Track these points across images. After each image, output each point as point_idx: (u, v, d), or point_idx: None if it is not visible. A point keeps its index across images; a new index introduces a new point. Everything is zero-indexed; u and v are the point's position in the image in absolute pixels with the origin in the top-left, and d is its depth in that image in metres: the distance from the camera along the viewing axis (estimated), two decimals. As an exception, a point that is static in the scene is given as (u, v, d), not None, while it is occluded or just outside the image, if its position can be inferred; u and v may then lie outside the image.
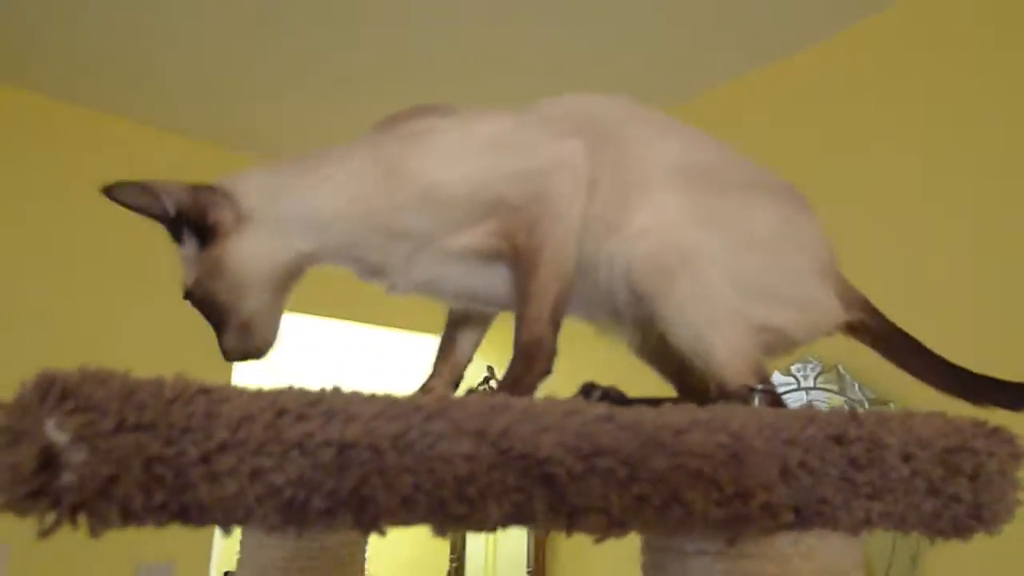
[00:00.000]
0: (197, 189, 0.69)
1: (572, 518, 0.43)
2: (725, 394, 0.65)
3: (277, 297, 0.72)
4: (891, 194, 2.01)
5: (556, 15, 2.18)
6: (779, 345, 0.73)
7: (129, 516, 0.37)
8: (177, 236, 0.70)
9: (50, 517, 0.36)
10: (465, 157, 0.73)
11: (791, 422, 0.49)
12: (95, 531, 0.37)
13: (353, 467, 0.40)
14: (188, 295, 0.71)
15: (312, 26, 2.26)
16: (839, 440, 0.48)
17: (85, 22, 2.25)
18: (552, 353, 0.68)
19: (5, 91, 2.57)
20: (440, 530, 0.42)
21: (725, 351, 0.67)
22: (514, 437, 0.42)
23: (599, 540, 0.45)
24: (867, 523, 0.50)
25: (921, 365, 0.75)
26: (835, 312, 0.73)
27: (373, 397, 0.43)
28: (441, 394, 0.72)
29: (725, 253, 0.70)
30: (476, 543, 2.97)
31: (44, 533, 0.36)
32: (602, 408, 0.46)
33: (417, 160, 0.71)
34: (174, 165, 2.81)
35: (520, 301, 0.70)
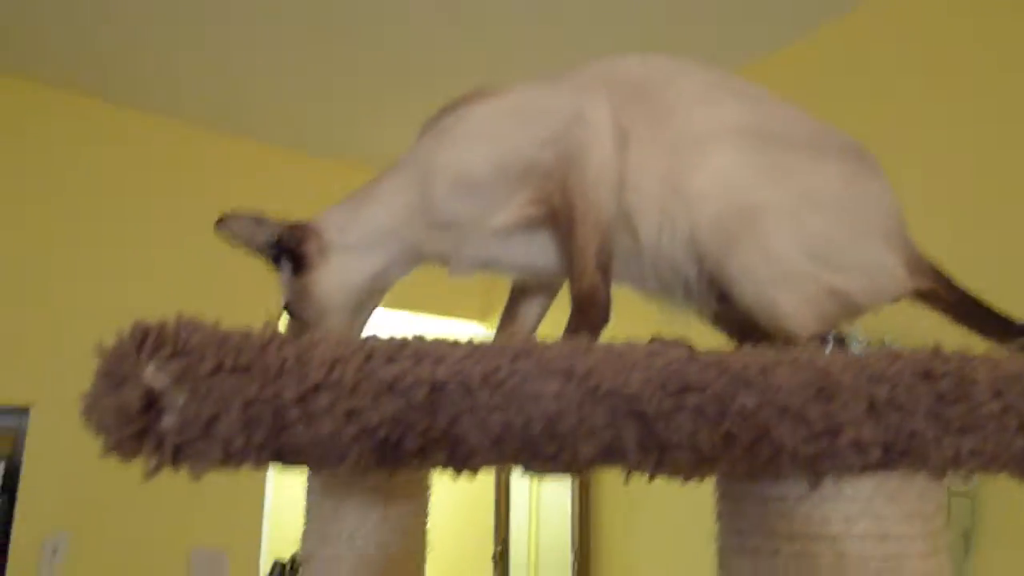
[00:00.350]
0: (294, 225, 0.78)
1: (661, 456, 0.43)
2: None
3: (355, 317, 0.80)
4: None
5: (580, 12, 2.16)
6: (843, 310, 0.72)
7: (229, 456, 0.38)
8: (276, 262, 0.79)
9: (154, 458, 0.37)
10: (487, 136, 0.75)
11: (876, 360, 0.48)
12: (196, 471, 0.38)
13: (445, 406, 0.40)
14: (285, 310, 0.80)
15: (322, 12, 2.26)
16: (926, 376, 0.48)
17: (90, 9, 2.27)
18: (606, 301, 0.69)
19: (61, 91, 2.62)
20: (530, 469, 0.42)
21: (791, 303, 0.67)
22: (602, 375, 0.42)
23: (686, 480, 0.45)
24: (956, 461, 0.49)
25: (997, 331, 0.73)
26: (901, 279, 0.72)
27: (457, 342, 0.43)
28: (525, 336, 0.72)
29: (790, 213, 0.69)
30: (519, 530, 2.99)
31: (149, 474, 0.37)
32: (685, 348, 0.46)
33: (444, 152, 0.75)
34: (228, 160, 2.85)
35: (567, 259, 0.72)
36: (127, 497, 2.47)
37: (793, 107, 0.77)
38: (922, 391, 0.47)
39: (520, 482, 3.07)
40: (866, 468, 0.48)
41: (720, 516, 0.62)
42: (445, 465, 0.40)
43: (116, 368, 0.38)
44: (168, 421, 0.37)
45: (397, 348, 0.41)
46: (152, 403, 0.37)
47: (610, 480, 2.63)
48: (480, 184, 0.73)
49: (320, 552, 0.92)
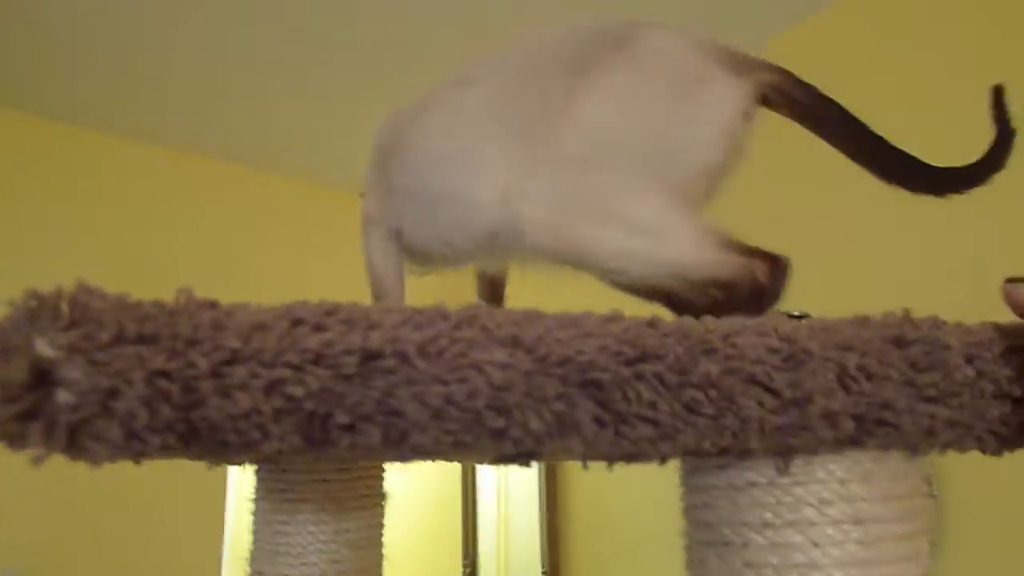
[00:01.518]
0: None
1: (619, 429, 0.39)
2: (731, 288, 0.58)
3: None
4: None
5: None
6: (716, 176, 0.64)
7: (132, 437, 0.33)
8: None
9: (46, 442, 0.33)
10: None
11: (843, 327, 0.46)
12: (95, 455, 0.33)
13: (378, 377, 0.36)
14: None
15: (297, 36, 2.23)
16: (897, 342, 0.45)
17: (63, 36, 2.22)
18: None
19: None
20: (475, 449, 0.38)
21: (681, 254, 0.58)
22: (553, 343, 0.38)
23: (647, 460, 0.42)
24: (931, 432, 0.46)
25: (846, 136, 0.65)
26: (735, 95, 0.62)
27: (392, 309, 0.39)
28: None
29: (594, 167, 0.60)
30: (488, 547, 2.92)
31: (37, 460, 0.33)
32: (641, 317, 0.42)
33: None
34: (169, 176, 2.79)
35: None
36: (78, 532, 2.37)
37: (520, 45, 0.69)
38: (893, 358, 0.44)
39: (488, 498, 3.02)
40: (838, 443, 0.45)
41: (687, 510, 0.59)
42: (380, 444, 0.36)
43: (4, 341, 0.33)
44: (62, 397, 0.33)
45: (326, 313, 0.37)
46: (43, 377, 0.33)
47: (579, 494, 2.59)
48: None
49: (269, 571, 0.87)
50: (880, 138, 0.65)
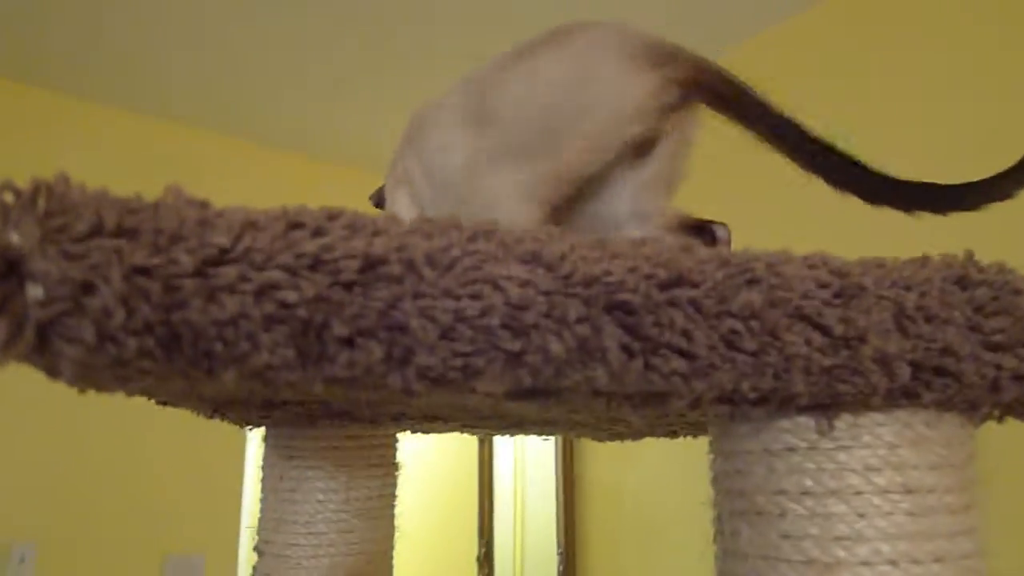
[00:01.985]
0: None
1: (649, 361, 0.35)
2: None
3: None
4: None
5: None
6: (607, 162, 0.63)
7: (107, 338, 0.30)
8: None
9: (14, 340, 0.29)
10: None
11: (901, 264, 0.41)
12: (67, 359, 0.30)
13: (381, 286, 0.32)
14: None
15: (315, 12, 2.22)
16: (961, 283, 0.40)
17: (78, 11, 2.22)
18: None
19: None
20: (487, 375, 0.34)
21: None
22: (578, 261, 0.35)
23: (681, 399, 0.37)
24: (995, 388, 0.41)
25: (783, 139, 0.61)
26: (634, 89, 0.61)
27: (400, 220, 0.36)
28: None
29: (486, 135, 0.66)
30: (504, 530, 2.90)
31: (4, 360, 0.30)
32: (678, 240, 0.38)
33: None
34: (175, 153, 2.79)
35: None
36: (93, 507, 2.37)
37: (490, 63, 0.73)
38: (957, 300, 0.40)
39: (504, 478, 3.00)
40: (891, 396, 0.41)
41: (717, 478, 0.55)
42: (382, 361, 0.32)
43: (-28, 231, 0.30)
44: (32, 291, 0.30)
45: (327, 218, 0.33)
46: (12, 268, 0.30)
47: (595, 475, 2.56)
48: None
49: (276, 539, 0.84)
50: (819, 141, 0.60)
